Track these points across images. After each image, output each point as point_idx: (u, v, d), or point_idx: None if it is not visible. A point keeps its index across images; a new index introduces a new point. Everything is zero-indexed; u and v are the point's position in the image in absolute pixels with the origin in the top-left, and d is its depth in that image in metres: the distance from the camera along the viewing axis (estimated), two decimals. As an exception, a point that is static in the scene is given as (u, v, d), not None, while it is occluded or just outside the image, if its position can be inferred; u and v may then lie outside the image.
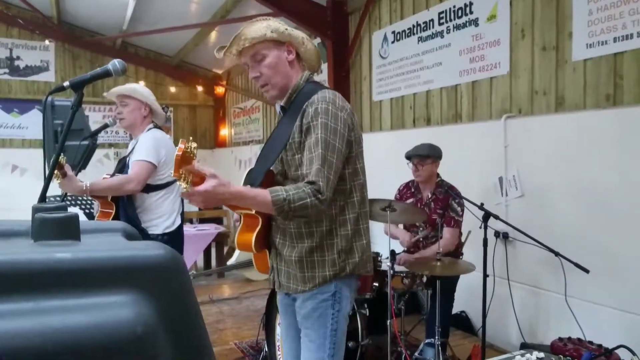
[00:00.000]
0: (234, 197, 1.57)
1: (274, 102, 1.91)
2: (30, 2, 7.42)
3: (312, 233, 1.78)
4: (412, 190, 3.53)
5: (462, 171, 3.94)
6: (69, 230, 0.43)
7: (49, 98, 3.61)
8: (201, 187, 1.48)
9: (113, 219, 2.78)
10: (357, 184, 1.83)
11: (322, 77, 6.27)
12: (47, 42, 8.28)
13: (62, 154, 3.16)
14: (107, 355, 0.37)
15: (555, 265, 3.13)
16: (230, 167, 8.75)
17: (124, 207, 2.79)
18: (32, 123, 8.33)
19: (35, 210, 0.47)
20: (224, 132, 9.80)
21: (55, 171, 2.48)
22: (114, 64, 1.61)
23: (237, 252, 5.70)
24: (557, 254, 2.87)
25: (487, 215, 2.92)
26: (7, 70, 8.23)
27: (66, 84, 1.49)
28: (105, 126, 2.90)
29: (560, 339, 2.55)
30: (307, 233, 1.79)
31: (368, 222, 1.89)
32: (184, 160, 1.40)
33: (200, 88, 9.55)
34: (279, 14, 5.57)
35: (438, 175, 3.47)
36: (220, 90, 9.77)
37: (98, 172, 3.72)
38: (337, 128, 1.70)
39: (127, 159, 2.94)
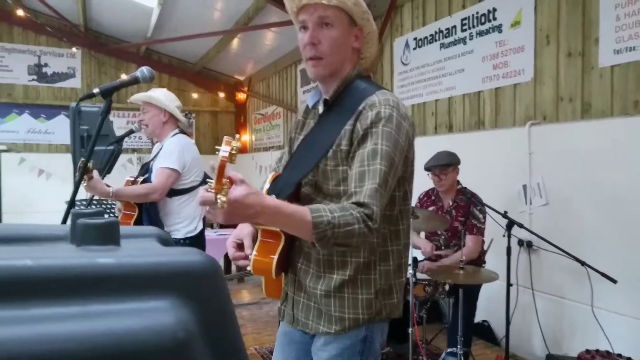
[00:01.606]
0: (265, 211, 1.18)
1: (316, 80, 1.53)
2: (58, 11, 7.61)
3: (345, 263, 1.44)
4: (433, 198, 3.50)
5: (485, 178, 3.90)
6: (110, 235, 0.44)
7: (74, 104, 3.71)
8: (229, 196, 1.10)
9: (135, 221, 2.82)
10: (405, 210, 1.51)
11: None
12: (74, 49, 8.47)
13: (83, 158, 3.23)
14: (150, 359, 0.37)
15: (581, 275, 3.07)
16: (251, 172, 8.80)
17: (147, 211, 2.83)
18: (58, 128, 8.52)
19: (75, 215, 0.48)
20: (245, 138, 9.88)
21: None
22: (142, 71, 1.63)
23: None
24: (583, 263, 2.81)
25: (510, 224, 2.88)
26: (35, 77, 8.44)
27: (96, 90, 1.52)
28: (131, 132, 2.95)
29: (587, 351, 2.50)
30: (339, 262, 1.45)
31: (409, 255, 1.57)
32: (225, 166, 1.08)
33: (221, 94, 9.66)
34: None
35: (458, 182, 3.44)
36: (241, 96, 9.86)
37: (121, 176, 3.78)
38: (398, 140, 1.38)
39: (151, 163, 2.98)
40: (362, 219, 1.27)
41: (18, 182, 8.00)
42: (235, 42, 7.90)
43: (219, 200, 1.07)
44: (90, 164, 2.60)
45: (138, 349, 0.36)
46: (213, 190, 1.07)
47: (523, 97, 3.98)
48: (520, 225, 2.91)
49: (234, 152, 1.08)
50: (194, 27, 7.22)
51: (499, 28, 4.20)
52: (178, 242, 2.77)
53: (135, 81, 1.62)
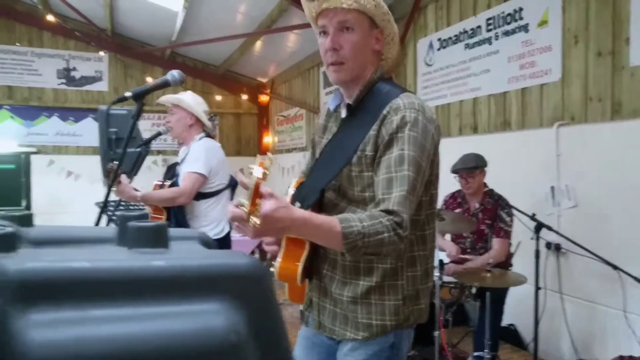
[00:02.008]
0: (295, 224, 1.19)
1: (337, 85, 1.53)
2: (86, 15, 7.76)
3: (371, 270, 1.42)
4: (459, 200, 3.47)
5: (510, 180, 3.84)
6: (160, 238, 0.45)
7: (104, 107, 3.78)
8: (260, 211, 1.12)
9: (164, 224, 2.86)
10: (431, 214, 1.49)
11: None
12: (101, 53, 8.64)
13: (115, 161, 3.32)
14: (204, 361, 0.37)
15: (612, 279, 3.00)
16: (274, 174, 8.85)
17: (174, 214, 2.87)
18: (86, 131, 8.68)
19: (123, 218, 0.49)
20: (268, 139, 9.93)
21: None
22: (172, 74, 1.66)
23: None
24: (615, 267, 2.75)
25: (539, 226, 2.83)
26: (64, 81, 8.64)
27: (128, 94, 1.54)
28: (159, 134, 3.00)
29: (621, 357, 2.44)
30: (365, 269, 1.43)
31: (434, 259, 1.55)
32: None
33: (244, 96, 9.73)
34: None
35: (485, 184, 3.40)
36: (264, 98, 9.92)
37: (146, 178, 3.84)
38: (425, 145, 1.36)
39: (178, 167, 3.02)
40: (392, 227, 1.25)
41: (47, 183, 8.20)
42: (257, 45, 7.95)
43: (251, 221, 1.08)
44: (114, 168, 2.65)
45: (191, 351, 0.36)
46: (246, 210, 1.08)
47: (551, 97, 3.91)
48: (549, 228, 2.86)
49: (267, 172, 1.10)
50: (217, 30, 7.29)
51: (525, 28, 4.14)
52: (204, 244, 2.79)
53: (165, 84, 1.65)
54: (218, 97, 9.52)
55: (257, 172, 1.07)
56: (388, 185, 1.31)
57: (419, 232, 1.46)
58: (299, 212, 1.22)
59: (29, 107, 8.43)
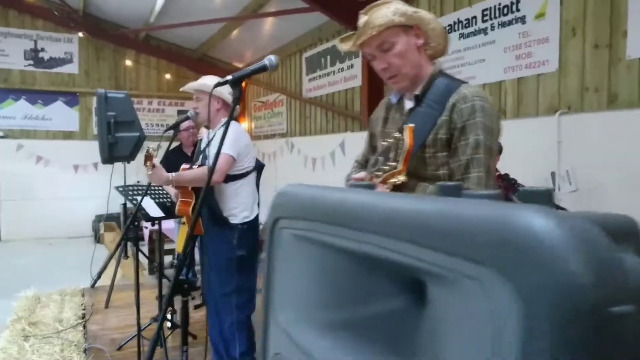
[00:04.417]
0: None
1: (404, 92, 1.68)
2: (58, -6, 7.44)
3: None
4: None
5: (508, 167, 4.00)
6: (549, 200, 0.51)
7: (102, 90, 3.68)
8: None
9: (193, 207, 2.84)
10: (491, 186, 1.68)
11: (355, 72, 6.32)
12: (80, 34, 8.24)
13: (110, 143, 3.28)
14: None
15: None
16: (253, 160, 8.79)
17: (205, 197, 2.84)
18: (56, 115, 8.34)
19: (525, 191, 0.54)
20: (243, 125, 9.83)
21: (148, 163, 2.56)
22: (270, 59, 1.67)
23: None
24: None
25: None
26: (31, 62, 8.24)
27: (229, 78, 1.56)
28: (187, 118, 2.95)
29: None
30: None
31: None
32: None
33: (220, 82, 9.57)
34: (314, 9, 5.62)
35: (496, 170, 3.53)
36: (240, 84, 9.79)
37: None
38: (493, 129, 1.53)
39: (206, 149, 2.98)
40: None
41: (16, 168, 7.84)
42: (237, 30, 7.84)
43: (397, 178, 1.27)
44: (153, 152, 2.62)
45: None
46: (397, 170, 1.26)
47: (547, 87, 4.09)
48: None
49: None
50: (196, 13, 7.14)
51: (522, 19, 4.30)
52: (236, 227, 2.79)
53: (263, 69, 1.65)
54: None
55: (407, 139, 1.25)
56: (466, 167, 1.50)
57: None
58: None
59: (-5, 89, 8.01)
